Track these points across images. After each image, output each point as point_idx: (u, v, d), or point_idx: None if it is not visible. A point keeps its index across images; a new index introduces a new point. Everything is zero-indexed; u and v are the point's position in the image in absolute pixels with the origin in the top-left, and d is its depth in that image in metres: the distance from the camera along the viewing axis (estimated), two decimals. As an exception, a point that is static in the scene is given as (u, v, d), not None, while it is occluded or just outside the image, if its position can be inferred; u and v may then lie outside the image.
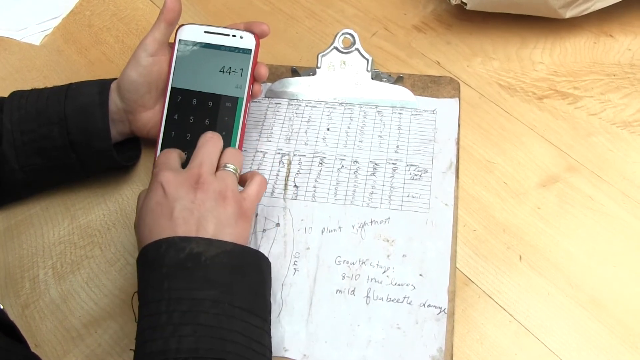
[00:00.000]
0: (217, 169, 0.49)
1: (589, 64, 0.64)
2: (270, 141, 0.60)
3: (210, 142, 0.50)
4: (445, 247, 0.52)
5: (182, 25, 0.56)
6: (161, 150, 0.55)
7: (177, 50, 0.55)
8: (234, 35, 0.55)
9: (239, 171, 0.50)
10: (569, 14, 0.62)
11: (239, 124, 0.54)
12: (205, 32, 0.55)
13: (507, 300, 0.50)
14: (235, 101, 0.54)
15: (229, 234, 0.46)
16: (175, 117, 0.55)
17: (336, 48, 0.61)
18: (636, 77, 0.62)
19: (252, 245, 0.53)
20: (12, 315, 0.52)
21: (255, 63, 0.55)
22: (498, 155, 0.58)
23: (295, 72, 0.64)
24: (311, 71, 0.63)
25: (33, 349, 0.50)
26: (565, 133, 0.59)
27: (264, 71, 0.55)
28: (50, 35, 0.74)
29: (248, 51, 0.55)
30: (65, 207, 0.58)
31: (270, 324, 0.45)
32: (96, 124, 0.53)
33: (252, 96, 0.56)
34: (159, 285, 0.42)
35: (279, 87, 0.63)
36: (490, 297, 0.50)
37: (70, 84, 0.56)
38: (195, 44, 0.55)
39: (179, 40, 0.55)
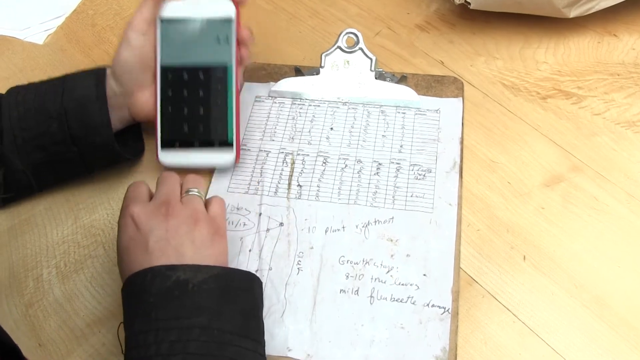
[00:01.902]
0: (181, 196, 0.49)
1: (593, 64, 0.63)
2: (273, 140, 0.60)
3: (168, 176, 0.50)
4: (449, 247, 0.52)
5: (161, 3, 0.56)
6: (161, 128, 0.56)
7: (160, 28, 0.55)
8: (213, 6, 0.55)
9: (202, 194, 0.50)
10: (573, 13, 0.62)
11: (232, 90, 0.55)
12: (184, 6, 0.56)
13: (511, 300, 0.49)
14: (224, 69, 0.55)
15: (208, 256, 0.45)
16: (170, 93, 0.56)
17: (340, 47, 0.61)
18: (640, 76, 0.62)
19: (255, 245, 0.53)
20: (16, 315, 0.52)
21: (238, 29, 0.56)
22: (502, 154, 0.58)
23: (298, 71, 0.64)
24: (315, 70, 0.63)
25: (36, 348, 0.50)
26: (569, 133, 0.59)
27: (247, 34, 0.56)
28: (54, 34, 0.74)
29: (229, 19, 0.55)
30: (68, 207, 0.58)
31: (264, 345, 0.44)
32: (96, 118, 0.53)
33: (240, 61, 0.56)
34: (146, 315, 0.41)
35: (283, 87, 0.63)
36: (494, 297, 0.50)
37: (66, 76, 0.55)
38: (176, 20, 0.56)
39: (160, 18, 0.55)
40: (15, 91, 0.55)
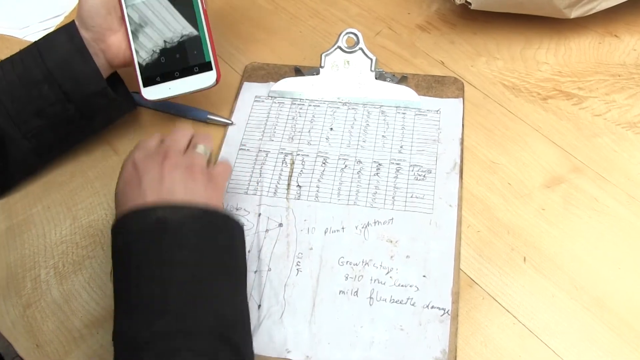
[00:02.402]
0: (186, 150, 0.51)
1: (594, 65, 0.63)
2: (273, 141, 0.60)
3: (179, 130, 0.52)
4: (449, 248, 0.51)
5: None
6: (139, 67, 0.57)
7: None
8: None
9: (209, 154, 0.51)
10: (574, 14, 0.62)
11: (200, 13, 0.56)
12: None
13: (511, 302, 0.49)
14: None
15: (199, 200, 0.46)
16: (140, 31, 0.57)
17: (340, 47, 0.61)
18: (641, 77, 0.62)
19: (254, 246, 0.53)
20: (14, 316, 0.52)
21: None
22: (502, 155, 0.57)
23: (298, 71, 0.64)
24: (315, 71, 0.63)
25: (34, 349, 0.50)
26: (569, 134, 0.58)
27: None
28: (53, 33, 0.73)
29: None
30: (67, 207, 0.58)
31: (245, 286, 0.46)
32: (82, 68, 0.54)
33: None
34: (127, 254, 0.44)
35: (283, 87, 0.63)
36: (495, 299, 0.50)
37: (37, 41, 0.55)
38: None
39: None
40: None
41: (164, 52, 0.57)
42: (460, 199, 0.54)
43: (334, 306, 0.49)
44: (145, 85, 0.58)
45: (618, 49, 0.64)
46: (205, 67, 0.57)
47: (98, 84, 0.55)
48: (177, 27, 0.57)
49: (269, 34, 0.70)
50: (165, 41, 0.57)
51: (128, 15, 0.57)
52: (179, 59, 0.57)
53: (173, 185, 0.46)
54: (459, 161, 0.57)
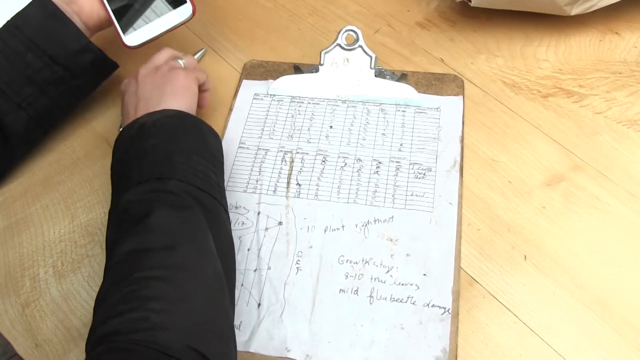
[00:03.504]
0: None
1: (595, 62, 0.63)
2: (272, 139, 0.60)
3: (162, 51, 0.59)
4: (449, 247, 0.51)
5: None
6: (115, 17, 0.59)
7: None
8: None
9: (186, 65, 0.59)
10: (574, 11, 0.62)
11: None
12: None
13: (511, 300, 0.49)
14: None
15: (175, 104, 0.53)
16: None
17: (339, 45, 0.61)
18: (642, 75, 0.61)
19: (254, 244, 0.53)
20: (12, 315, 0.51)
21: None
22: (502, 153, 0.57)
23: (297, 69, 0.64)
24: (314, 68, 0.63)
25: (33, 348, 0.50)
26: (570, 131, 0.58)
27: None
28: (51, 31, 0.73)
29: None
30: (65, 206, 0.58)
31: (222, 171, 0.53)
32: (62, 29, 0.55)
33: None
34: (120, 157, 0.51)
35: (282, 85, 0.63)
36: (495, 298, 0.49)
37: (8, 21, 0.56)
38: None
39: None
40: None
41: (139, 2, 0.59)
42: (460, 197, 0.54)
43: (334, 305, 0.49)
44: (125, 33, 0.59)
45: (619, 47, 0.64)
46: (179, 1, 0.59)
47: (80, 40, 0.56)
48: None
49: (268, 32, 0.70)
50: None
51: None
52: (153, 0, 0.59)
53: (145, 91, 0.53)
54: (459, 159, 0.56)
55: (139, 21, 0.59)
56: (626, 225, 0.52)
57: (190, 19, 0.60)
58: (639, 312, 0.48)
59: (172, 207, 0.45)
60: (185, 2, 0.59)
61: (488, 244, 0.52)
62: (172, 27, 0.60)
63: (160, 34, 0.60)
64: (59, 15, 0.55)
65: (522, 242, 0.52)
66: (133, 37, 0.59)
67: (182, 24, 0.60)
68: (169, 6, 0.59)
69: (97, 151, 0.61)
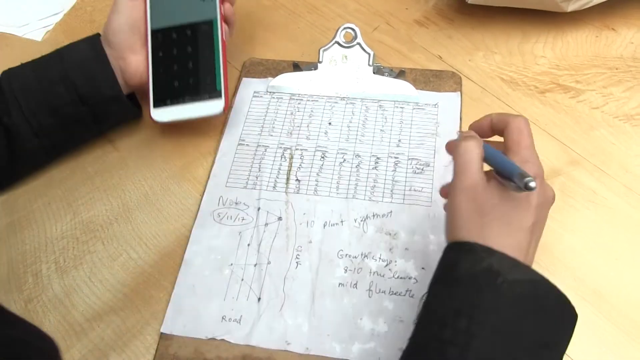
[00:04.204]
0: None
1: (591, 58, 0.63)
2: (272, 135, 0.60)
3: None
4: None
5: None
6: (153, 88, 0.58)
7: None
8: None
9: None
10: (570, 7, 0.62)
11: (218, 43, 0.59)
12: None
13: (509, 293, 0.49)
14: (210, 24, 0.59)
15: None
16: (160, 55, 0.59)
17: (338, 42, 0.61)
18: (638, 70, 0.62)
19: (254, 239, 0.53)
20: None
21: None
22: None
23: (296, 66, 0.64)
24: (313, 66, 0.63)
25: (36, 343, 0.50)
26: (567, 127, 0.59)
27: None
28: (52, 31, 0.74)
29: None
30: (67, 203, 0.58)
31: None
32: (100, 74, 0.56)
33: (225, 15, 0.60)
34: (446, 287, 0.38)
35: (281, 82, 0.63)
36: (493, 291, 0.50)
37: (59, 48, 0.57)
38: None
39: None
40: (9, 70, 0.57)
41: (178, 76, 0.58)
42: (458, 191, 0.55)
43: (334, 299, 0.50)
44: (155, 107, 0.59)
45: (615, 42, 0.64)
46: (215, 95, 0.58)
47: (113, 88, 0.56)
48: (195, 54, 0.59)
49: (268, 30, 0.70)
50: (181, 66, 0.58)
51: (151, 39, 0.59)
52: (192, 85, 0.58)
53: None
54: (457, 154, 0.57)
55: (172, 99, 0.58)
56: (623, 219, 0.53)
57: (219, 115, 0.58)
58: (635, 304, 0.48)
59: None
60: (221, 97, 0.58)
61: (486, 238, 0.52)
62: (199, 117, 0.58)
63: (187, 119, 0.58)
64: (102, 59, 0.56)
65: (519, 236, 0.52)
66: (161, 113, 0.58)
67: (209, 117, 0.58)
68: (205, 95, 0.58)
69: (99, 149, 0.62)
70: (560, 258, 0.51)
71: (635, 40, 0.64)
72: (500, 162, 0.39)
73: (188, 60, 0.59)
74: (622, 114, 0.59)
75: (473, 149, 0.39)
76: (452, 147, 0.42)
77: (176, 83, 0.58)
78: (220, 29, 0.59)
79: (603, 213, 0.53)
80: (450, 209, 0.40)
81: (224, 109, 0.58)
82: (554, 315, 0.37)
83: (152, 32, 0.59)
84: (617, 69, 0.62)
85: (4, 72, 0.57)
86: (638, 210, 0.53)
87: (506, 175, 0.38)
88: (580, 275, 0.50)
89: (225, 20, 0.60)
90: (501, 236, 0.37)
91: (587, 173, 0.55)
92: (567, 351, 0.46)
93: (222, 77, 0.58)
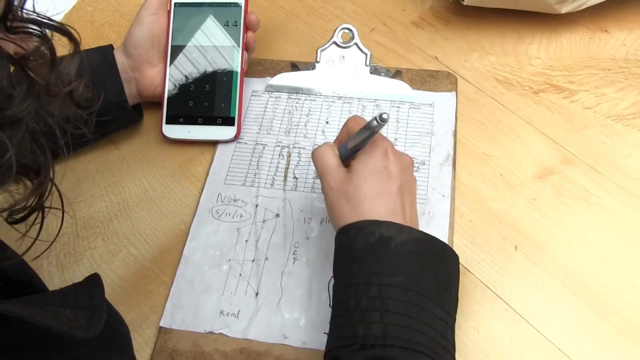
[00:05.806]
0: None
1: (585, 59, 0.64)
2: (270, 134, 0.61)
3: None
4: (442, 238, 0.51)
5: None
6: (167, 104, 0.59)
7: (173, 12, 0.60)
8: None
9: None
10: (564, 9, 0.63)
11: (237, 71, 0.60)
12: None
13: (503, 289, 0.50)
14: (232, 51, 0.60)
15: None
16: (178, 72, 0.60)
17: (335, 43, 0.62)
18: (630, 71, 0.63)
19: (252, 236, 0.54)
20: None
21: (246, 14, 0.60)
22: (494, 147, 0.59)
23: (294, 66, 0.65)
24: (311, 66, 0.64)
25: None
26: (560, 126, 0.60)
27: (254, 18, 0.61)
28: (53, 31, 0.74)
29: (238, 4, 0.60)
30: (67, 200, 0.59)
31: (455, 320, 0.43)
32: (107, 78, 0.57)
33: (247, 44, 0.60)
34: (348, 270, 0.43)
35: (279, 81, 0.64)
36: (487, 286, 0.51)
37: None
38: (188, 4, 0.61)
39: (174, 3, 0.61)
40: None
41: (194, 96, 0.60)
42: (453, 189, 0.56)
43: (330, 293, 0.50)
44: (167, 123, 0.60)
45: (608, 44, 0.65)
46: (228, 121, 0.59)
47: (118, 96, 0.57)
48: (212, 79, 0.60)
49: (266, 31, 0.71)
50: (197, 87, 0.60)
51: (171, 55, 0.60)
52: (206, 107, 0.59)
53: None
54: (452, 153, 0.58)
55: (185, 118, 0.60)
56: (614, 217, 0.54)
57: (230, 141, 0.60)
58: (625, 299, 0.49)
59: None
60: (234, 124, 0.59)
61: (480, 234, 0.53)
62: (209, 140, 0.60)
63: (197, 140, 0.60)
64: (111, 67, 0.57)
65: (513, 233, 0.53)
66: (172, 130, 0.60)
67: (221, 141, 0.60)
68: (217, 120, 0.59)
69: (100, 147, 0.63)
70: (553, 254, 0.52)
71: (628, 42, 0.65)
72: (354, 138, 0.45)
73: (205, 82, 0.60)
74: (614, 114, 0.60)
75: (326, 151, 0.46)
76: (312, 156, 0.48)
77: (191, 103, 0.59)
78: (241, 56, 0.60)
79: (595, 211, 0.54)
80: (327, 206, 0.46)
81: (235, 137, 0.59)
82: (444, 260, 0.44)
83: (172, 47, 0.60)
84: (609, 70, 0.63)
85: None
86: (629, 208, 0.54)
87: (364, 139, 0.44)
88: (572, 271, 0.51)
89: (247, 47, 0.61)
90: (376, 208, 0.43)
91: (580, 172, 0.56)
92: (559, 346, 0.47)
93: (237, 103, 0.59)
